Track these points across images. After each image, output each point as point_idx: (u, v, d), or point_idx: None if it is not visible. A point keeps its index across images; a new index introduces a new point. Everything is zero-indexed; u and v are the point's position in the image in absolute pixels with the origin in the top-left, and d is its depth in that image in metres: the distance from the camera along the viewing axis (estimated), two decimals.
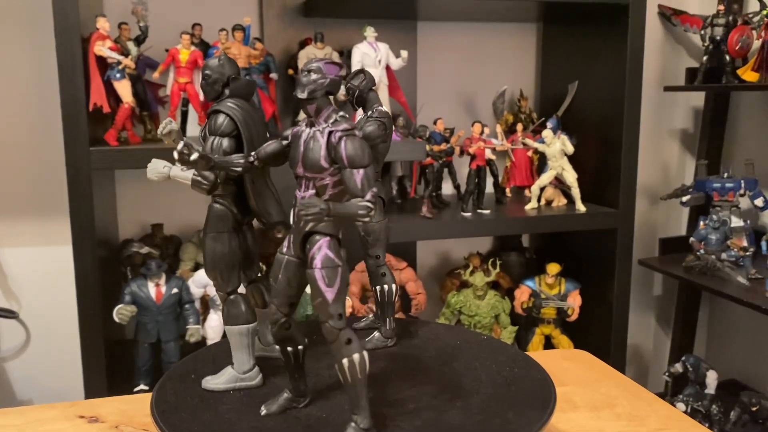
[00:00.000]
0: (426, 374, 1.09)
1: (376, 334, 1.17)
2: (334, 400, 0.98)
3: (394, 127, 1.90)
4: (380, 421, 0.91)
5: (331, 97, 0.95)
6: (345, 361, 0.84)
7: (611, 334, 2.10)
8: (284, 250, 0.90)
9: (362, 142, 0.86)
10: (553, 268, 2.12)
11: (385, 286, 1.17)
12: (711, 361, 2.24)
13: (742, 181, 2.21)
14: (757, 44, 2.13)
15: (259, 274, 1.06)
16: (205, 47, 1.86)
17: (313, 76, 0.89)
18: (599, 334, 2.14)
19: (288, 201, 1.23)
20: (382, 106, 1.14)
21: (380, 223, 1.14)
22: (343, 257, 0.86)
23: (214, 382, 1.01)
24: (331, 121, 0.89)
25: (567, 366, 1.36)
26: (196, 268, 2.00)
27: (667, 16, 2.49)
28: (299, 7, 2.12)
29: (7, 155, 2.05)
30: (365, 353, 0.84)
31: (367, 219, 0.83)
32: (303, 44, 2.07)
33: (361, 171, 0.85)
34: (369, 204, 0.83)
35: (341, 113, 0.90)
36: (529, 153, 2.25)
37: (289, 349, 0.94)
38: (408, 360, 1.13)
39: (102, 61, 1.68)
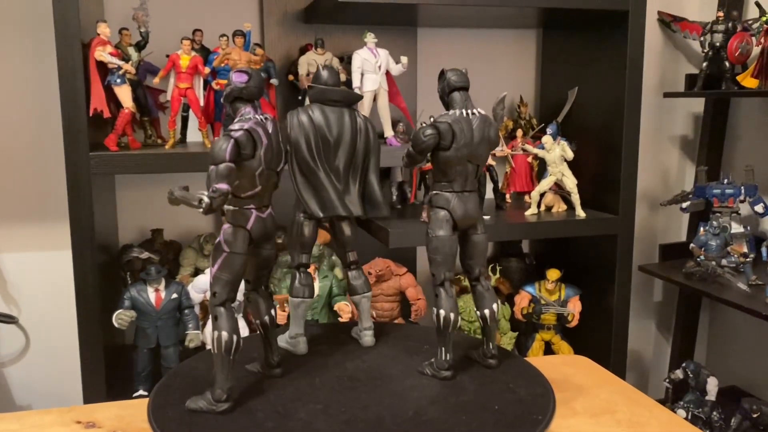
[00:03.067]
0: (422, 379, 1.09)
1: (433, 360, 1.11)
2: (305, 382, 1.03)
3: (394, 133, 1.90)
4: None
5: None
6: (211, 333, 1.00)
7: (611, 340, 2.09)
8: None
9: (225, 141, 0.96)
10: (553, 273, 2.11)
11: (435, 310, 1.09)
12: (711, 368, 2.24)
13: (742, 187, 2.21)
14: (756, 51, 2.14)
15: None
16: (205, 53, 1.87)
17: (227, 84, 1.04)
18: (599, 340, 2.13)
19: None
20: (459, 110, 1.11)
21: (436, 239, 1.08)
22: (242, 246, 1.00)
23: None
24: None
25: (567, 372, 1.35)
26: (196, 273, 2.00)
27: (667, 22, 2.50)
28: (300, 13, 2.13)
29: (7, 160, 2.05)
30: (225, 334, 0.99)
31: (200, 209, 0.92)
32: (303, 50, 2.07)
33: (211, 167, 0.96)
34: (203, 196, 0.92)
35: (246, 116, 1.01)
36: (529, 159, 2.25)
37: (256, 321, 1.12)
38: (405, 366, 1.13)
39: (102, 67, 1.68)
